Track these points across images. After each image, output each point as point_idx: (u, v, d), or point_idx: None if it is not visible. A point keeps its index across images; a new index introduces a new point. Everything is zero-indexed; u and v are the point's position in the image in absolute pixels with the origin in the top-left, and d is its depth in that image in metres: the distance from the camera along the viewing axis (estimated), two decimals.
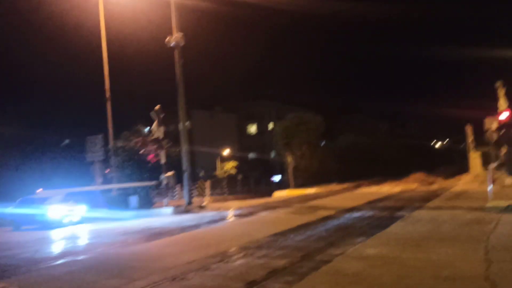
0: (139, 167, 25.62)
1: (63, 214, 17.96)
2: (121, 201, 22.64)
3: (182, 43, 22.50)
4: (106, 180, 25.87)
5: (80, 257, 10.06)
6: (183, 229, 14.06)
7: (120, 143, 25.90)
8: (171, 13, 22.67)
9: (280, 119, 50.10)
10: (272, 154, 57.22)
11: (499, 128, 23.23)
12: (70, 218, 18.17)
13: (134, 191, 23.48)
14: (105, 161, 26.38)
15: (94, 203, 20.14)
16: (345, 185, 34.77)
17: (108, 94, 25.73)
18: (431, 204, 17.14)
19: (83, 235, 14.71)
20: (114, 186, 24.29)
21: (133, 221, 17.78)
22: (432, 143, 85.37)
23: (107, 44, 26.21)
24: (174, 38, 22.25)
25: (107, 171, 26.42)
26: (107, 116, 25.88)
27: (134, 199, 22.82)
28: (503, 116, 20.91)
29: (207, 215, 18.20)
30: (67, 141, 43.19)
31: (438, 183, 31.93)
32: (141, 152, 25.40)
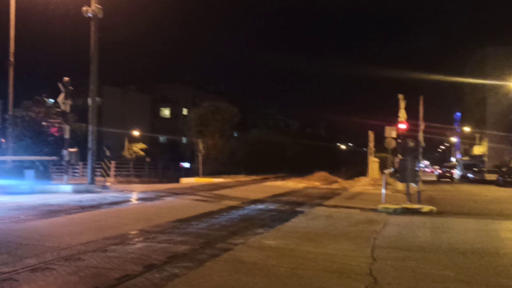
0: (39, 139, 24.07)
1: None
2: (16, 174, 21.13)
3: (100, 15, 21.43)
4: (1, 151, 24.00)
5: None
6: (82, 208, 13.51)
7: (20, 113, 24.11)
8: None
9: (196, 105, 49.86)
10: (184, 140, 56.72)
11: (396, 137, 25.16)
12: None
13: (32, 164, 22.04)
14: (2, 130, 24.47)
15: None
16: (252, 177, 35.52)
17: (12, 58, 23.85)
18: (330, 202, 18.12)
19: None
20: (9, 157, 22.61)
21: (28, 196, 16.70)
22: (338, 145, 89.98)
23: (16, 5, 24.26)
24: (92, 9, 21.13)
25: (3, 140, 24.52)
26: (8, 82, 23.99)
27: (30, 173, 21.39)
28: (401, 126, 22.71)
29: (110, 196, 17.63)
30: None
31: (339, 183, 33.80)
32: (43, 124, 23.87)
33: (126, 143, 51.63)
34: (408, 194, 16.21)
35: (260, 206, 15.73)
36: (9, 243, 8.05)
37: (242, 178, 35.07)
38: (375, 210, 14.89)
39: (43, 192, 18.39)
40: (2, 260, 6.77)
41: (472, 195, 24.49)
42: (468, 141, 77.16)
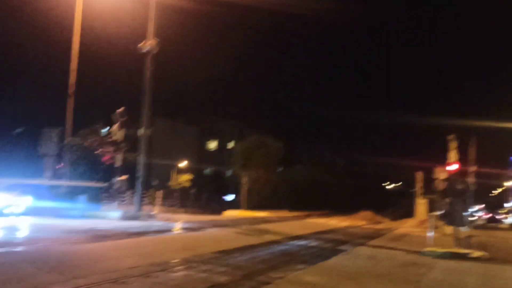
0: (92, 166, 25.15)
1: (5, 204, 17.42)
2: (69, 199, 22.14)
3: (155, 50, 22.53)
4: (57, 176, 25.26)
5: (19, 249, 9.86)
6: (129, 234, 13.95)
7: (76, 140, 25.40)
8: (148, 18, 22.66)
9: (242, 139, 50.45)
10: (229, 173, 57.30)
11: (446, 179, 24.38)
12: (12, 209, 17.63)
13: (84, 190, 23.03)
14: (58, 156, 25.80)
15: (40, 197, 19.64)
16: (295, 213, 35.26)
17: (72, 89, 25.33)
18: (373, 242, 17.71)
19: (25, 228, 14.33)
20: (64, 182, 23.74)
21: (79, 220, 17.44)
22: (384, 184, 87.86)
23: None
24: (149, 44, 22.26)
25: (58, 166, 25.82)
26: (67, 111, 25.41)
27: (82, 198, 22.34)
28: (452, 168, 22.03)
29: (155, 224, 18.08)
30: (20, 129, 41.77)
31: (384, 223, 32.96)
32: (97, 152, 24.99)
33: (174, 173, 52.75)
34: (456, 238, 15.63)
35: (302, 242, 15.63)
36: (61, 263, 8.49)
37: (284, 213, 34.91)
38: (420, 253, 14.43)
39: (93, 217, 19.12)
40: (55, 278, 7.16)
41: None
42: None
